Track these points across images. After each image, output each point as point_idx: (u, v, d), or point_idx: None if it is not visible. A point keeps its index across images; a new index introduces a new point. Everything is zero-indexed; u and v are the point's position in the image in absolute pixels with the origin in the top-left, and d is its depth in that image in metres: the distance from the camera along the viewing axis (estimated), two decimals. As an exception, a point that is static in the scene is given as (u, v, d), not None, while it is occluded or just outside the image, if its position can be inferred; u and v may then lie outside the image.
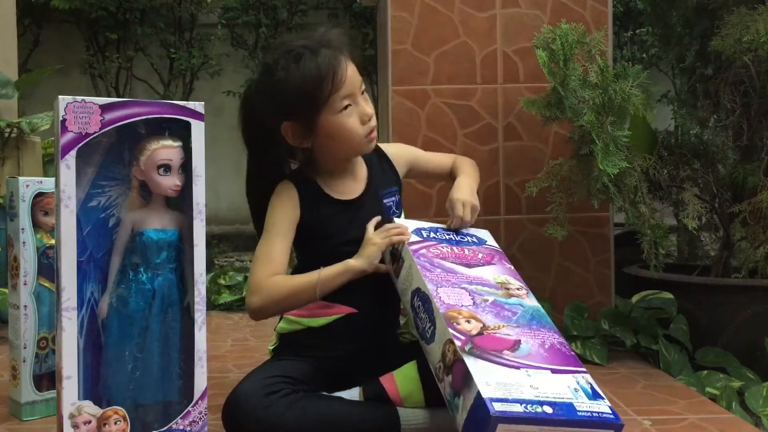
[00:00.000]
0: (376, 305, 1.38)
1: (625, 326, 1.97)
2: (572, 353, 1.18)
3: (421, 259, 1.30)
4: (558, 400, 1.05)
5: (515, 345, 1.14)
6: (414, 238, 1.36)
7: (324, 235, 1.41)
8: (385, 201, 1.47)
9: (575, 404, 1.05)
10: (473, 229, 1.47)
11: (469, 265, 1.33)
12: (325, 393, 1.32)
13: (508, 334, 1.16)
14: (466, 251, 1.37)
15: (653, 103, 2.51)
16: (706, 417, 1.50)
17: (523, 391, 1.05)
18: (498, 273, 1.34)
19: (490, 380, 1.05)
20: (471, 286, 1.26)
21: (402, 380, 1.32)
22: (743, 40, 1.88)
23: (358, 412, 1.29)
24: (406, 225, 1.39)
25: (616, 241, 2.22)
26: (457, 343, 1.11)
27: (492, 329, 1.16)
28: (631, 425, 1.44)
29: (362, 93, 1.40)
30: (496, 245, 1.44)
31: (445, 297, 1.21)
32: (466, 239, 1.42)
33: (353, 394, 1.33)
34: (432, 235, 1.39)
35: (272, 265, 1.35)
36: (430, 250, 1.34)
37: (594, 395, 1.09)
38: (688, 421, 1.48)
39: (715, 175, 2.15)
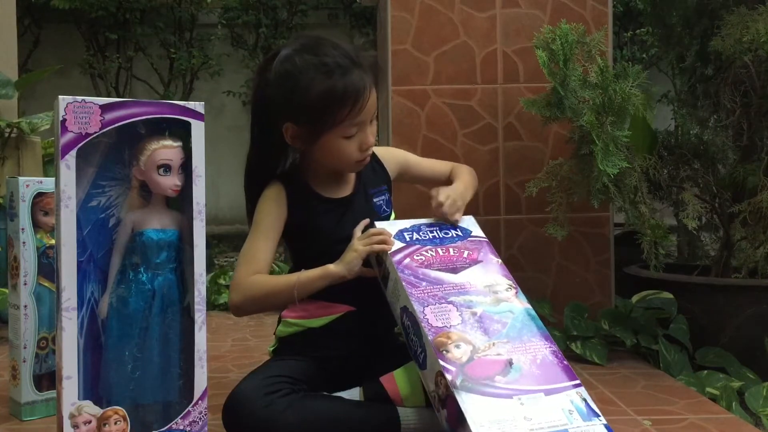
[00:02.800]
0: (374, 303, 1.38)
1: (625, 326, 1.97)
2: (565, 362, 1.17)
3: (406, 272, 1.28)
4: (553, 429, 1.06)
5: (506, 366, 1.14)
6: (397, 244, 1.33)
7: (314, 234, 1.41)
8: (375, 200, 1.48)
9: (570, 430, 1.06)
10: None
11: (455, 270, 1.31)
12: (325, 393, 1.32)
13: (499, 354, 1.16)
14: (452, 251, 1.35)
15: (653, 103, 2.51)
16: (706, 417, 1.50)
17: (518, 425, 1.05)
18: (485, 273, 1.32)
19: (484, 420, 1.06)
20: (459, 298, 1.25)
21: (402, 380, 1.32)
22: (743, 40, 1.88)
23: (359, 412, 1.29)
24: (390, 229, 1.36)
25: (616, 241, 2.22)
26: (448, 377, 1.11)
27: (482, 351, 1.16)
28: (631, 425, 1.45)
29: (372, 121, 1.39)
30: (481, 234, 1.41)
31: (433, 319, 1.20)
32: (450, 234, 1.39)
33: (353, 393, 1.33)
34: (415, 236, 1.37)
35: (254, 263, 1.37)
36: (414, 257, 1.31)
37: (589, 414, 1.09)
38: (688, 421, 1.48)
39: (715, 175, 2.15)
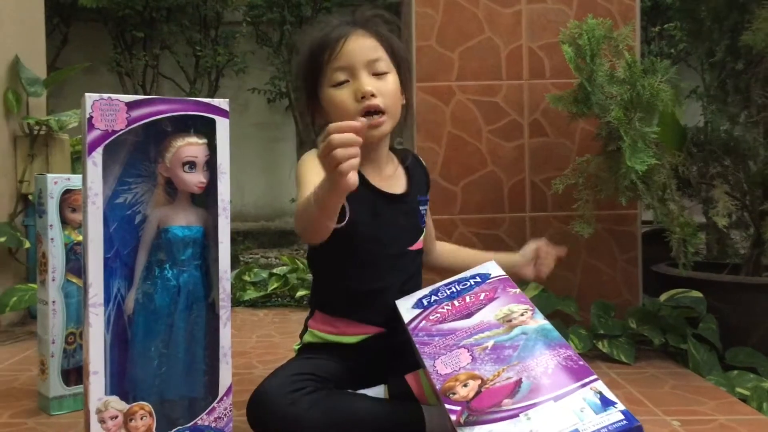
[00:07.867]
0: (400, 323, 1.36)
1: (653, 325, 1.95)
2: (580, 363, 1.13)
3: (420, 335, 1.27)
4: None
5: (515, 388, 1.11)
6: (414, 312, 1.33)
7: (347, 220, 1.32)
8: (421, 208, 1.46)
9: (581, 429, 1.03)
10: (478, 266, 1.43)
11: (469, 315, 1.28)
12: (350, 390, 1.32)
13: (509, 377, 1.13)
14: (468, 298, 1.33)
15: (682, 98, 2.47)
16: (736, 418, 1.47)
17: None
18: (500, 306, 1.29)
19: None
20: (471, 339, 1.23)
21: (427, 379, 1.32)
22: (775, 34, 1.84)
23: (383, 410, 1.28)
24: (409, 301, 1.36)
25: (644, 239, 2.19)
26: (453, 417, 1.10)
27: (491, 381, 1.14)
28: (659, 425, 1.43)
29: (370, 72, 1.33)
30: (501, 273, 1.39)
31: (442, 368, 1.19)
32: (468, 283, 1.38)
33: (378, 391, 1.33)
34: (433, 299, 1.36)
35: None
36: (430, 318, 1.31)
37: (603, 405, 1.06)
38: (718, 422, 1.45)
39: (746, 171, 2.11)
